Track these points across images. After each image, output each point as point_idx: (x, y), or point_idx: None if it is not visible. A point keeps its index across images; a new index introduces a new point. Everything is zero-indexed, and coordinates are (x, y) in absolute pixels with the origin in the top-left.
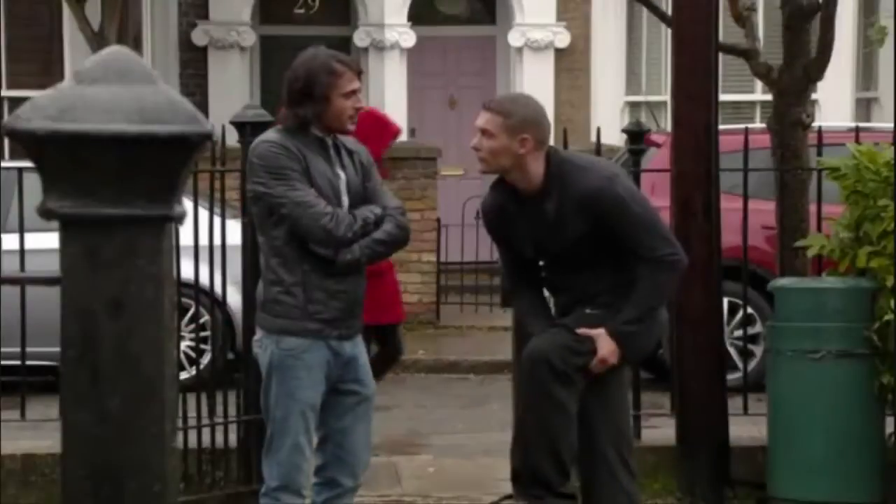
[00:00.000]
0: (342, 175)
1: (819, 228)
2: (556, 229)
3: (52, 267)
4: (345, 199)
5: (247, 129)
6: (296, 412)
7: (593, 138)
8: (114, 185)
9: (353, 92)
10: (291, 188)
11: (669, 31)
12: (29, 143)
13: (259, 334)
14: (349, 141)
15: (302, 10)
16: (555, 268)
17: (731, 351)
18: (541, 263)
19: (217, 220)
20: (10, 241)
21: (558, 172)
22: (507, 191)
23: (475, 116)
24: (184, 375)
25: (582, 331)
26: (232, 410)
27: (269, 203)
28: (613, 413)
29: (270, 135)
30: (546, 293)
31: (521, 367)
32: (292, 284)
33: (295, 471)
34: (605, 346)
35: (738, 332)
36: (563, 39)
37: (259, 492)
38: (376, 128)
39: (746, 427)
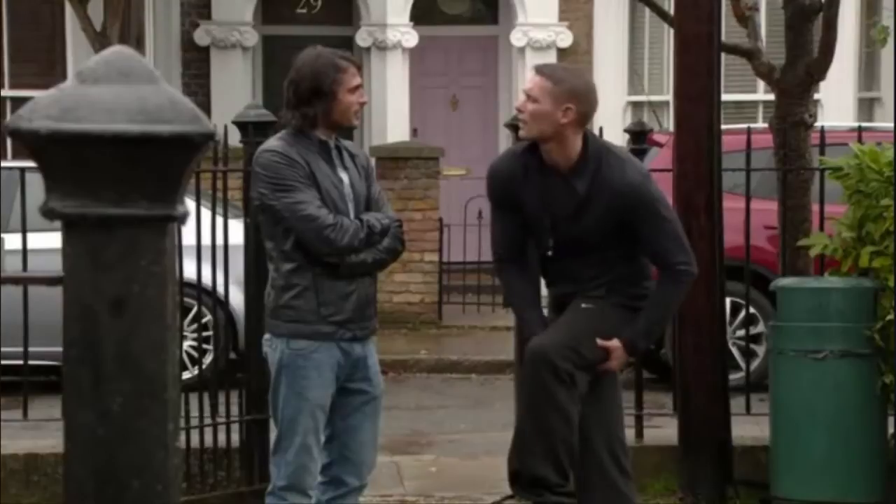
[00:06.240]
0: (345, 178)
1: (821, 228)
2: (581, 211)
3: (55, 267)
4: (350, 203)
5: (249, 129)
6: (305, 412)
7: None
8: (116, 185)
9: (358, 87)
10: (294, 201)
11: (672, 30)
12: (31, 143)
13: (269, 333)
14: (350, 144)
15: (304, 10)
16: (560, 252)
17: (734, 350)
18: (548, 254)
19: (219, 220)
20: (13, 241)
21: (596, 156)
22: (534, 160)
23: (477, 116)
24: (186, 375)
25: (601, 343)
26: (234, 410)
27: (273, 214)
28: (605, 413)
29: (273, 143)
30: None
31: (523, 366)
32: (304, 288)
33: (302, 471)
34: (618, 359)
35: (741, 332)
36: (565, 39)
37: (265, 491)
38: None
39: (749, 427)
